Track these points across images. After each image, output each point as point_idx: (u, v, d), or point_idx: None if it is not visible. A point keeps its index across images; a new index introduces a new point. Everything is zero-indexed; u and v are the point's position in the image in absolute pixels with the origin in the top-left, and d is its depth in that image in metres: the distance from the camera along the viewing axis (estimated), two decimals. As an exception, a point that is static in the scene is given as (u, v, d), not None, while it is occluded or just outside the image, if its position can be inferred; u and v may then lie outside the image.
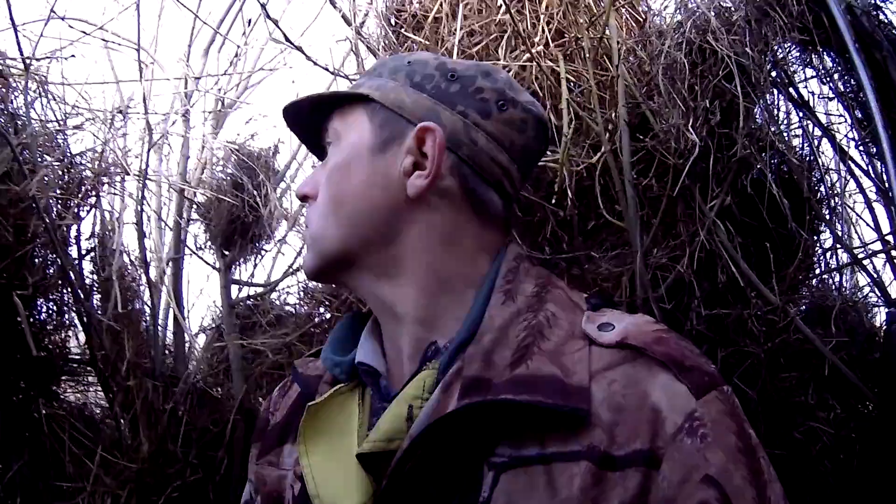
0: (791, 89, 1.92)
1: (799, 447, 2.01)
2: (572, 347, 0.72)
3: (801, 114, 1.90)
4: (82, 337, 2.13)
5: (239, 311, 2.52)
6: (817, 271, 2.02)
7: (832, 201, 1.95)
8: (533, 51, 2.08)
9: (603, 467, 0.63)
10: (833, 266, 1.99)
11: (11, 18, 1.85)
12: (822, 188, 1.96)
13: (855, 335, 2.07)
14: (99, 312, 2.06)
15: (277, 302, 2.58)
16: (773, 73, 1.88)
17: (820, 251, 2.00)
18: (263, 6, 2.04)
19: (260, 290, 2.64)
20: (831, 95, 1.88)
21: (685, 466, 0.62)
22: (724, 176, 2.01)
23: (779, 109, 1.90)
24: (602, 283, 2.18)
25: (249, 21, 2.48)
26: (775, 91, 1.91)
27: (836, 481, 2.00)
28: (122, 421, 2.05)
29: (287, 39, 2.07)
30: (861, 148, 1.92)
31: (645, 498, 0.62)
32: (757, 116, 1.97)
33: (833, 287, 2.05)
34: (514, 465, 0.66)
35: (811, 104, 1.91)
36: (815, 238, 1.91)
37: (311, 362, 0.96)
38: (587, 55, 2.09)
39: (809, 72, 1.95)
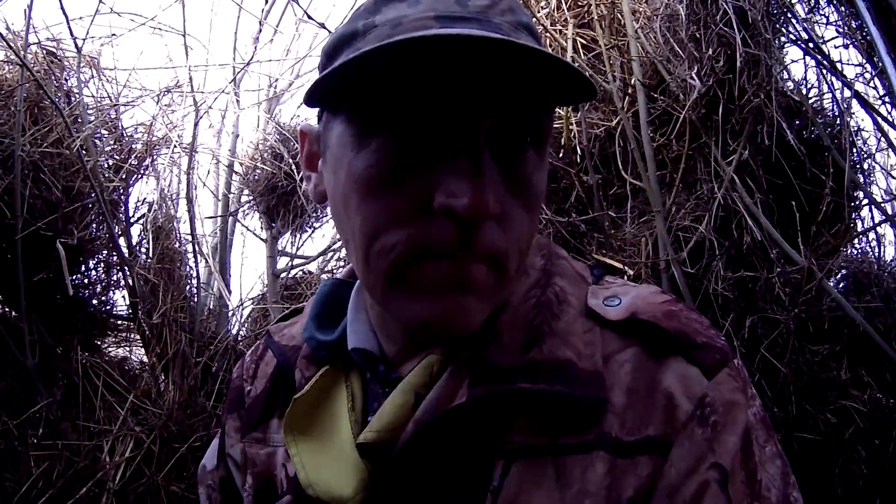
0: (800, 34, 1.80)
1: (831, 430, 1.82)
2: (583, 327, 0.68)
3: (806, 56, 1.77)
4: (129, 299, 2.32)
5: (285, 282, 2.64)
6: (846, 228, 1.84)
7: (855, 149, 1.79)
8: (539, 15, 2.09)
9: (616, 454, 0.61)
10: (864, 224, 1.81)
11: (62, 7, 2.12)
12: (842, 138, 1.81)
13: (890, 302, 1.86)
14: (140, 270, 2.24)
15: (325, 276, 2.67)
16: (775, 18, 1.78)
17: (851, 207, 1.83)
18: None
19: (307, 264, 2.75)
20: (843, 41, 1.75)
21: (694, 457, 0.60)
22: (740, 129, 1.90)
23: (781, 47, 1.78)
24: (627, 247, 2.10)
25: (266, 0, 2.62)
26: (782, 38, 1.80)
27: (870, 472, 1.80)
28: (155, 368, 2.19)
29: (310, 18, 2.20)
30: (888, 98, 1.75)
31: (654, 485, 0.60)
32: (779, 74, 1.87)
33: (869, 248, 1.87)
34: (524, 454, 0.63)
35: (822, 49, 1.78)
36: (833, 187, 1.76)
37: (286, 328, 0.87)
38: (598, 18, 2.07)
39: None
